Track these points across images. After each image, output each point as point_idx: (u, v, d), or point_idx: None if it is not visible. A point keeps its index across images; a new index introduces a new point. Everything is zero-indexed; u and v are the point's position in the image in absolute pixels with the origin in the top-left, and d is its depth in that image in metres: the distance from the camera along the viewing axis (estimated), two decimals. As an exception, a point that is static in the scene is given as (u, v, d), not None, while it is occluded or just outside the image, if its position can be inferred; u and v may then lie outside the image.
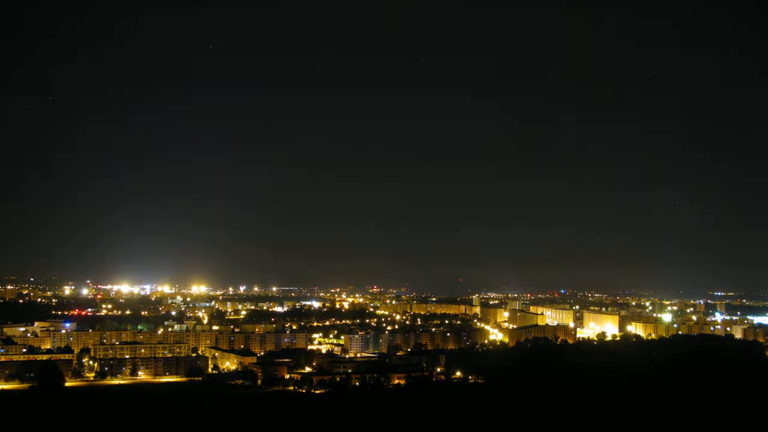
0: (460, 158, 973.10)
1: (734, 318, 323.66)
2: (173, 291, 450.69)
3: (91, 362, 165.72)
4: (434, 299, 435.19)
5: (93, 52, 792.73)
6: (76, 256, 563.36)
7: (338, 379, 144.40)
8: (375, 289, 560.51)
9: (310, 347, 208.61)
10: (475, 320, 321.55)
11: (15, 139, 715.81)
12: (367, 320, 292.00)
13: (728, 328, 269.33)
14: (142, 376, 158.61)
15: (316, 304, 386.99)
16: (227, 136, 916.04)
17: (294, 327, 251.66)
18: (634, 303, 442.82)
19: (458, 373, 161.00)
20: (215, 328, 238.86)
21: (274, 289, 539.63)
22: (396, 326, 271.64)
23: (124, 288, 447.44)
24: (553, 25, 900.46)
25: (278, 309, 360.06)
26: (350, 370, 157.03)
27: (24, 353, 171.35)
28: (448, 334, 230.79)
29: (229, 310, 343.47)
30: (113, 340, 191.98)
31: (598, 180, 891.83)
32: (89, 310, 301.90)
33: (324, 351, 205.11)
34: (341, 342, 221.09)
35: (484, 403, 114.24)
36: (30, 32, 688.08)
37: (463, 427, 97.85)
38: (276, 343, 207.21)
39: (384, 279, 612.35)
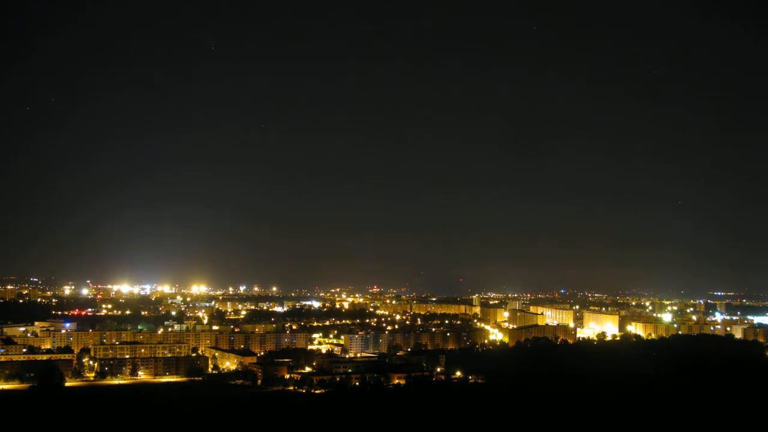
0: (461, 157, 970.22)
1: (734, 318, 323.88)
2: (173, 291, 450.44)
3: (91, 362, 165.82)
4: (434, 299, 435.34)
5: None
6: (77, 256, 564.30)
7: (338, 379, 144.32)
8: (375, 289, 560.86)
9: (310, 347, 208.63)
10: (475, 320, 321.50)
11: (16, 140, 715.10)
12: (367, 320, 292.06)
13: (728, 328, 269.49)
14: (142, 376, 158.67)
15: (316, 304, 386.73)
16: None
17: (294, 327, 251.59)
18: (634, 303, 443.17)
19: (458, 373, 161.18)
20: (215, 328, 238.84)
21: (274, 289, 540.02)
22: (396, 326, 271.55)
23: (124, 288, 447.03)
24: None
25: (278, 309, 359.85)
26: (350, 370, 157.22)
27: (24, 353, 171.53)
28: (448, 334, 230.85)
29: (229, 310, 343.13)
30: (113, 340, 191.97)
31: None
32: (89, 310, 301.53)
33: (324, 351, 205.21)
34: (341, 342, 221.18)
35: (484, 403, 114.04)
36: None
37: (463, 427, 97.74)
38: (276, 343, 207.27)
39: (384, 279, 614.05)
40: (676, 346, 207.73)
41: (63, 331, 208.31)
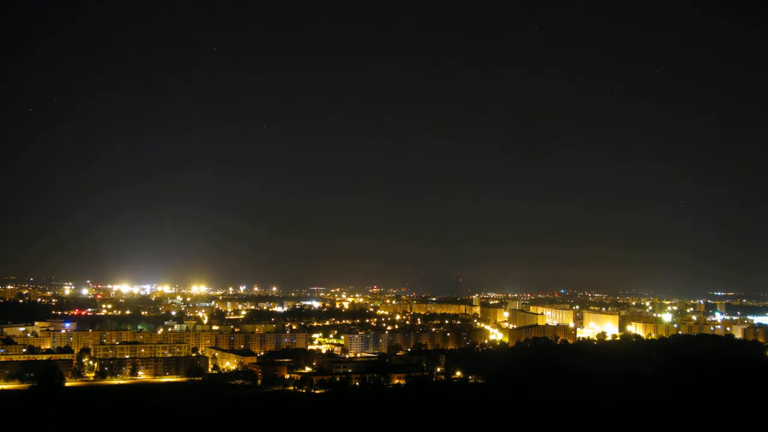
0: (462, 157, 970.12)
1: (734, 318, 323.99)
2: (173, 291, 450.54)
3: (91, 362, 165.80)
4: (434, 299, 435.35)
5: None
6: (77, 256, 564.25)
7: (338, 379, 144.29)
8: (375, 289, 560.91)
9: (310, 347, 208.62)
10: (475, 320, 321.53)
11: (16, 140, 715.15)
12: (367, 320, 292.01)
13: (728, 328, 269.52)
14: (142, 376, 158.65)
15: (316, 304, 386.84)
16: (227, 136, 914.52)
17: (294, 327, 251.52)
18: (634, 303, 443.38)
19: (458, 373, 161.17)
20: (215, 328, 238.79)
21: (274, 289, 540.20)
22: (396, 326, 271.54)
23: (124, 288, 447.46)
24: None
25: (278, 309, 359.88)
26: (350, 370, 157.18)
27: (24, 353, 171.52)
28: (448, 334, 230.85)
29: (229, 310, 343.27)
30: (113, 340, 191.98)
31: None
32: (89, 310, 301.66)
33: (324, 351, 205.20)
34: (341, 342, 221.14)
35: (484, 403, 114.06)
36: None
37: (463, 427, 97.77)
38: (276, 343, 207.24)
39: (384, 279, 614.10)
40: (676, 346, 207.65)
41: (63, 331, 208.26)
